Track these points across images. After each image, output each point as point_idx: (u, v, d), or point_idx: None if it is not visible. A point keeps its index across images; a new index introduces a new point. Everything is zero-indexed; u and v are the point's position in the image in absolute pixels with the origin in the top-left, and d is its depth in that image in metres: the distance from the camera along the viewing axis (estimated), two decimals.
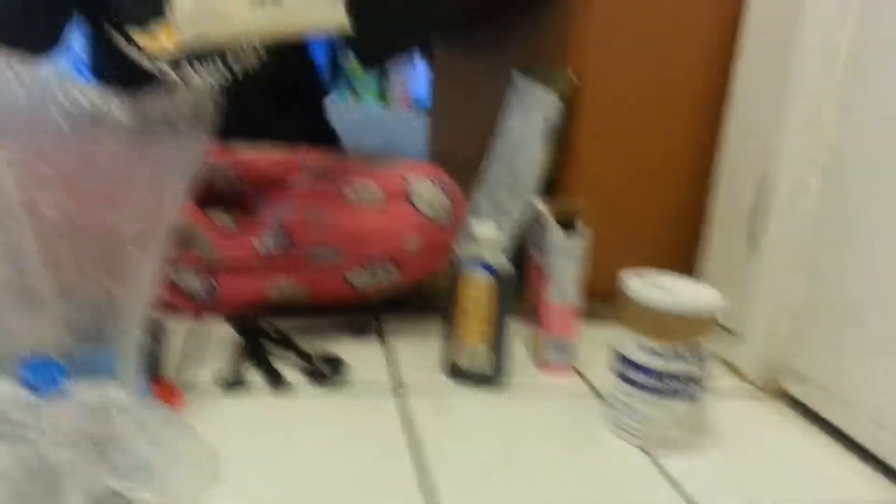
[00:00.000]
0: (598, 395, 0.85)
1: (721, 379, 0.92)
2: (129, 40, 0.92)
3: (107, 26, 0.94)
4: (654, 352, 0.71)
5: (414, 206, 0.90)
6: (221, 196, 1.06)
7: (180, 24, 0.65)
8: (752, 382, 0.90)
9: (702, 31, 1.05)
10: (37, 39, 0.92)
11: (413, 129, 2.48)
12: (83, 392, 0.60)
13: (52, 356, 0.61)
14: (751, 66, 1.00)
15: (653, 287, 0.72)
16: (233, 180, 1.04)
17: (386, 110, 3.78)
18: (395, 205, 0.91)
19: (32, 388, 0.60)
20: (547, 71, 1.12)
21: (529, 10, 1.24)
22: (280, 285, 0.94)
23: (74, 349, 0.62)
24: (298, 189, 0.96)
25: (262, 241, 0.93)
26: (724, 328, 0.97)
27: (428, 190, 0.91)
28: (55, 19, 0.92)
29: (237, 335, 0.87)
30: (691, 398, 0.72)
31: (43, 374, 0.61)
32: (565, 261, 0.85)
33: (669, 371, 0.71)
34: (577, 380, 0.89)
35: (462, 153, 1.64)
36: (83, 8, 0.96)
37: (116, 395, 0.61)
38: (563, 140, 1.07)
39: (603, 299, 1.12)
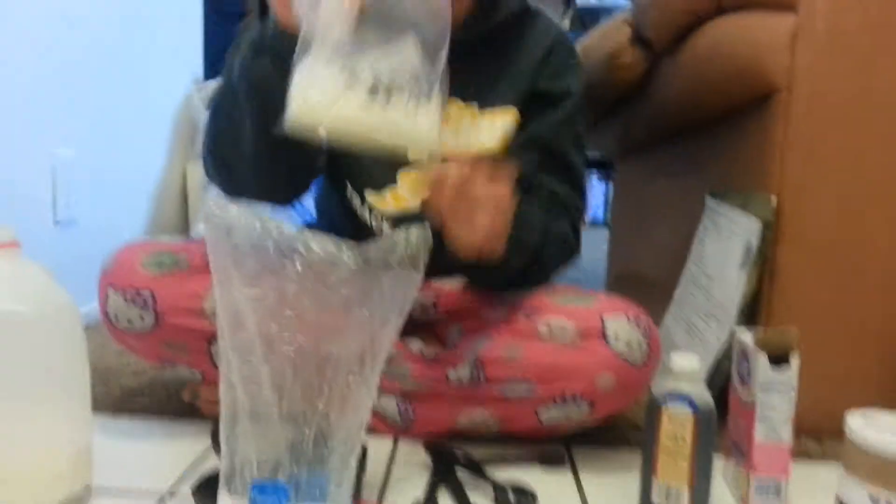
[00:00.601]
0: None
1: None
2: (363, 200, 1.04)
3: (348, 188, 1.06)
4: None
5: (609, 345, 0.90)
6: (415, 323, 1.12)
7: (299, 116, 0.71)
8: None
9: None
10: (284, 195, 1.05)
11: (589, 246, 2.49)
12: None
13: (278, 479, 0.67)
14: None
15: (880, 429, 0.67)
16: (427, 308, 1.09)
17: None
18: (590, 343, 0.91)
19: None
20: (744, 194, 1.10)
21: (720, 131, 1.25)
22: (471, 415, 0.97)
23: (295, 472, 0.68)
24: (493, 323, 0.99)
25: (457, 372, 0.96)
26: None
27: (624, 329, 0.91)
28: (305, 182, 1.05)
29: (431, 461, 0.90)
30: None
31: (270, 496, 0.66)
32: (776, 396, 0.81)
33: None
34: None
35: (646, 273, 1.63)
36: (333, 173, 1.09)
37: None
38: (766, 266, 1.04)
39: (817, 437, 1.04)
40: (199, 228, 1.97)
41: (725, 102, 1.17)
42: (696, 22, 1.21)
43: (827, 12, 1.00)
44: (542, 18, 1.06)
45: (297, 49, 0.71)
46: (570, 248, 1.03)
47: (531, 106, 1.02)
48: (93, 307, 0.96)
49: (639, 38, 1.37)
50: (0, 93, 1.30)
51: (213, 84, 2.10)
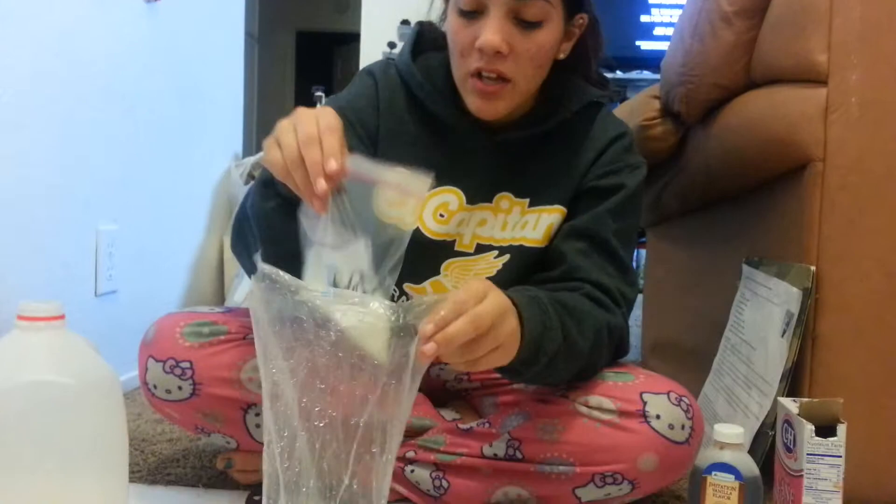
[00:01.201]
0: None
1: None
2: (402, 292, 1.04)
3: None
4: None
5: (650, 424, 0.88)
6: (449, 392, 1.11)
7: None
8: None
9: None
10: None
11: None
12: None
13: None
14: None
15: None
16: (461, 377, 1.09)
17: None
18: (631, 423, 0.88)
19: None
20: (782, 263, 1.10)
21: (754, 200, 1.25)
22: (506, 491, 0.94)
23: None
24: (529, 399, 0.97)
25: (492, 448, 0.94)
26: None
27: (665, 408, 0.88)
28: None
29: None
30: None
31: None
32: (823, 465, 0.79)
33: None
34: None
35: (682, 341, 1.61)
36: None
37: None
38: (807, 334, 1.03)
39: None
40: (234, 298, 2.00)
41: (759, 173, 1.18)
42: (726, 96, 1.23)
43: (859, 86, 1.02)
44: (604, 114, 1.03)
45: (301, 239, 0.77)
46: (619, 339, 0.96)
47: (580, 200, 0.99)
48: (131, 375, 0.98)
49: (668, 112, 1.39)
50: (50, 167, 1.35)
51: (252, 160, 2.17)
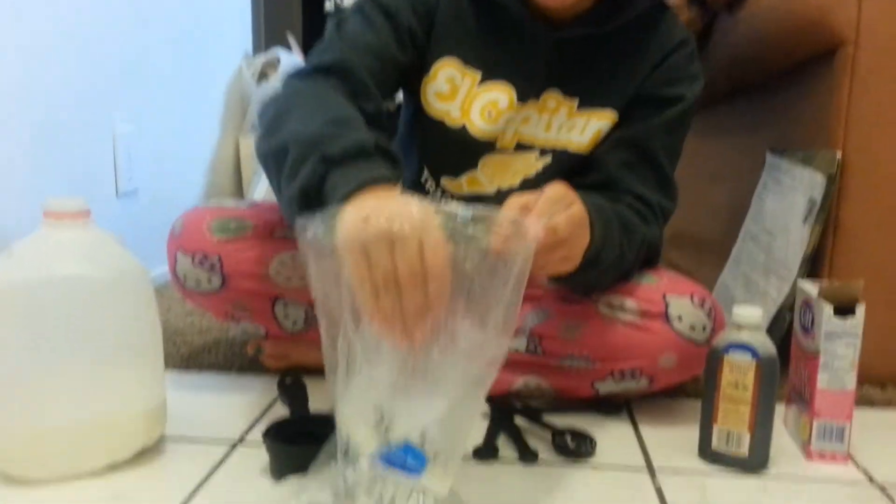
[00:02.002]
0: (879, 486, 0.78)
1: None
2: (437, 185, 1.02)
3: (425, 172, 1.03)
4: None
5: (671, 326, 0.89)
6: None
7: None
8: None
9: None
10: None
11: None
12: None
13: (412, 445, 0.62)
14: None
15: None
16: None
17: None
18: (652, 323, 0.89)
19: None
20: (807, 150, 1.08)
21: (780, 88, 1.22)
22: (527, 381, 0.97)
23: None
24: (551, 296, 0.97)
25: (514, 342, 0.95)
26: None
27: (687, 310, 0.89)
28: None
29: (490, 409, 0.91)
30: None
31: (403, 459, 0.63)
32: (840, 345, 0.80)
33: None
34: (851, 468, 0.82)
35: (701, 233, 1.61)
36: (410, 160, 1.03)
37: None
38: (828, 221, 1.03)
39: (881, 385, 1.03)
40: (254, 196, 2.01)
41: (788, 58, 1.15)
42: None
43: None
44: (669, 17, 0.97)
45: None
46: (654, 253, 0.97)
47: (635, 107, 0.95)
48: (159, 273, 0.99)
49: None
50: (64, 69, 1.34)
51: (262, 59, 2.13)
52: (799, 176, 1.07)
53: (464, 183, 1.00)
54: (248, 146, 2.12)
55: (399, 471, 0.62)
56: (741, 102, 1.39)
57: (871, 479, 0.80)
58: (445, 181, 1.01)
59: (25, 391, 0.73)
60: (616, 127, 0.95)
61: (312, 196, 0.70)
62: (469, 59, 0.93)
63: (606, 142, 0.95)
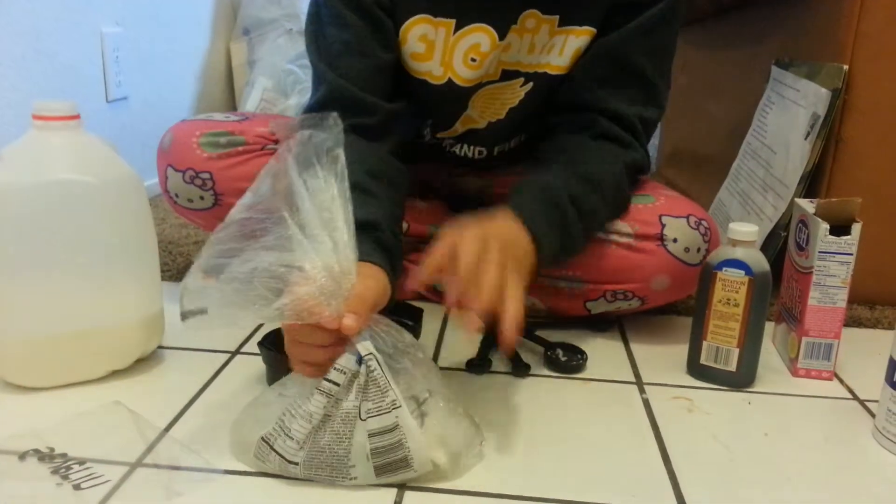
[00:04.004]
0: (861, 402, 0.80)
1: None
2: (434, 136, 1.00)
3: (426, 130, 1.01)
4: None
5: (666, 248, 0.88)
6: (470, 202, 1.11)
7: None
8: None
9: None
10: None
11: None
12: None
13: None
14: None
15: None
16: (483, 188, 1.09)
17: None
18: (647, 245, 0.89)
19: None
20: (812, 63, 1.05)
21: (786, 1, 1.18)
22: None
23: None
24: None
25: None
26: None
27: (683, 231, 0.88)
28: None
29: (483, 323, 0.92)
30: None
31: None
32: (834, 263, 0.81)
33: None
34: (836, 385, 0.84)
35: (701, 149, 1.59)
36: (419, 117, 1.00)
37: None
38: (830, 136, 1.01)
39: (870, 305, 1.05)
40: (246, 107, 1.97)
41: None
42: None
43: None
44: None
45: None
46: (641, 170, 0.93)
47: (612, 16, 0.88)
48: (152, 183, 0.98)
49: None
50: None
51: None
52: (803, 90, 1.05)
53: (458, 126, 0.98)
54: (239, 52, 2.06)
55: None
56: (749, 12, 1.34)
57: (854, 396, 0.82)
58: (441, 135, 0.99)
59: (20, 299, 0.74)
60: (595, 39, 0.90)
61: None
62: (439, 11, 0.87)
63: (582, 57, 0.90)
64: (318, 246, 0.61)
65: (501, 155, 1.04)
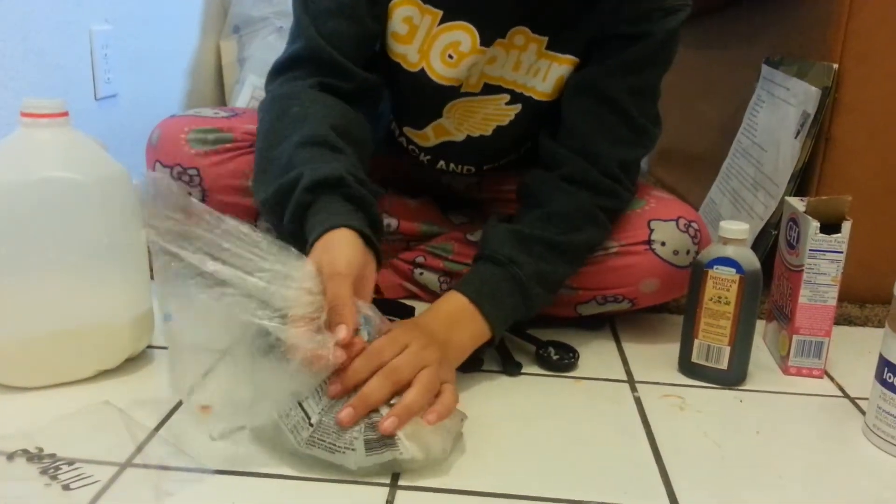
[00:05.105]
0: (851, 400, 0.80)
1: None
2: (402, 132, 0.99)
3: (393, 123, 1.00)
4: None
5: (655, 252, 0.88)
6: (461, 200, 1.11)
7: None
8: None
9: None
10: None
11: None
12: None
13: None
14: None
15: None
16: (472, 186, 1.09)
17: None
18: (636, 249, 0.89)
19: None
20: (803, 62, 1.06)
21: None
22: None
23: None
24: None
25: None
26: None
27: (672, 234, 0.88)
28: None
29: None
30: None
31: None
32: (824, 261, 0.81)
33: None
34: (826, 383, 0.84)
35: (691, 148, 1.60)
36: (391, 111, 1.00)
37: None
38: (820, 135, 1.01)
39: (861, 303, 1.05)
40: (236, 104, 1.96)
41: None
42: None
43: None
44: None
45: None
46: (614, 211, 0.90)
47: (595, 48, 0.86)
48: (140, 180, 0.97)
49: None
50: None
51: None
52: (793, 89, 1.06)
53: (430, 133, 0.97)
54: (229, 50, 2.05)
55: None
56: (738, 11, 1.35)
57: (844, 394, 0.82)
58: (409, 132, 0.98)
59: (7, 298, 0.73)
60: (577, 70, 0.88)
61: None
62: None
63: (566, 88, 0.88)
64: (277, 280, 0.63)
65: (492, 172, 1.04)
